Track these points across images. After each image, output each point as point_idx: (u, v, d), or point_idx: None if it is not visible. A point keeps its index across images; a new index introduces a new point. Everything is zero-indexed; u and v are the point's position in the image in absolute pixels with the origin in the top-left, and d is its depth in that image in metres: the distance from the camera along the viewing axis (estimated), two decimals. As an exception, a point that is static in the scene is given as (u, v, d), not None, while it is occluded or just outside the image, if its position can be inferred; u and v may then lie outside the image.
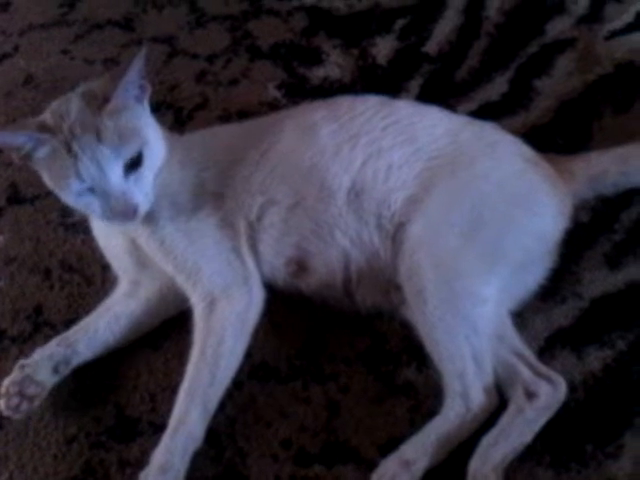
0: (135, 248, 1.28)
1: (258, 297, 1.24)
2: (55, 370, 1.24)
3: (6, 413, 1.20)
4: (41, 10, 2.05)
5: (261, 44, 1.85)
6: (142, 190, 1.18)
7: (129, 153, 1.16)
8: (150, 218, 1.24)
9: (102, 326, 1.29)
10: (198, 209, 1.26)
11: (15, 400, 1.20)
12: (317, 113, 1.31)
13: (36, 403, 1.21)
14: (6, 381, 1.21)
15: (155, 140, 1.22)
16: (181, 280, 1.25)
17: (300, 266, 1.27)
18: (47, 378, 1.23)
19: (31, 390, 1.20)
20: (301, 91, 1.71)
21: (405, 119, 1.27)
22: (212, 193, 1.27)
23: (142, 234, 1.26)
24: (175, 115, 1.71)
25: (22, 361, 1.23)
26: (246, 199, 1.27)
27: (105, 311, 1.32)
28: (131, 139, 1.16)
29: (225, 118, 1.67)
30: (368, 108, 1.29)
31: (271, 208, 1.26)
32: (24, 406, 1.20)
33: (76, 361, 1.27)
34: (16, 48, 1.95)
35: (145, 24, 1.96)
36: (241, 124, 1.46)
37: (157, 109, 1.69)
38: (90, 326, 1.29)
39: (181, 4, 2.00)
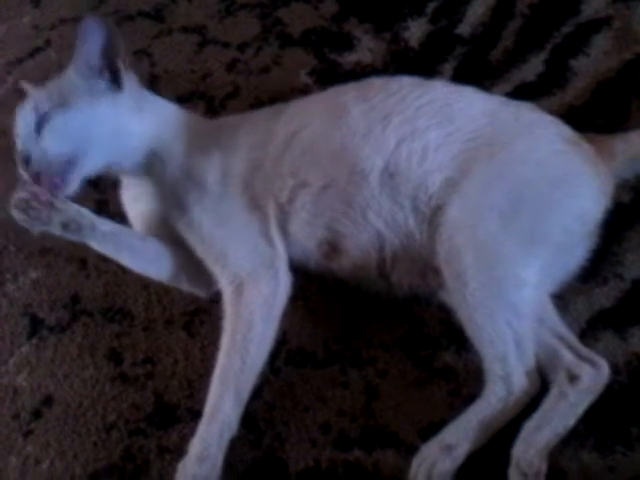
0: (162, 225, 1.28)
1: (285, 280, 1.24)
2: (64, 226, 1.20)
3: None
4: (72, 4, 2.06)
5: (292, 31, 1.83)
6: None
7: None
8: (178, 200, 1.25)
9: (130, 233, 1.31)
10: (226, 192, 1.25)
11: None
12: (348, 94, 1.29)
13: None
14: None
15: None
16: (210, 263, 1.25)
17: (332, 248, 1.26)
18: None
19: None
20: (333, 77, 1.69)
21: (440, 99, 1.25)
22: (239, 175, 1.26)
23: (172, 215, 1.26)
24: (207, 104, 1.70)
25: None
26: (276, 181, 1.26)
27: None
28: None
29: (257, 106, 1.65)
30: (401, 88, 1.27)
31: (302, 190, 1.25)
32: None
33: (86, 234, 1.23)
34: (48, 42, 1.95)
35: (175, 14, 1.95)
36: (269, 107, 1.45)
37: (189, 99, 1.71)
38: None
39: (210, -7, 2.00)
